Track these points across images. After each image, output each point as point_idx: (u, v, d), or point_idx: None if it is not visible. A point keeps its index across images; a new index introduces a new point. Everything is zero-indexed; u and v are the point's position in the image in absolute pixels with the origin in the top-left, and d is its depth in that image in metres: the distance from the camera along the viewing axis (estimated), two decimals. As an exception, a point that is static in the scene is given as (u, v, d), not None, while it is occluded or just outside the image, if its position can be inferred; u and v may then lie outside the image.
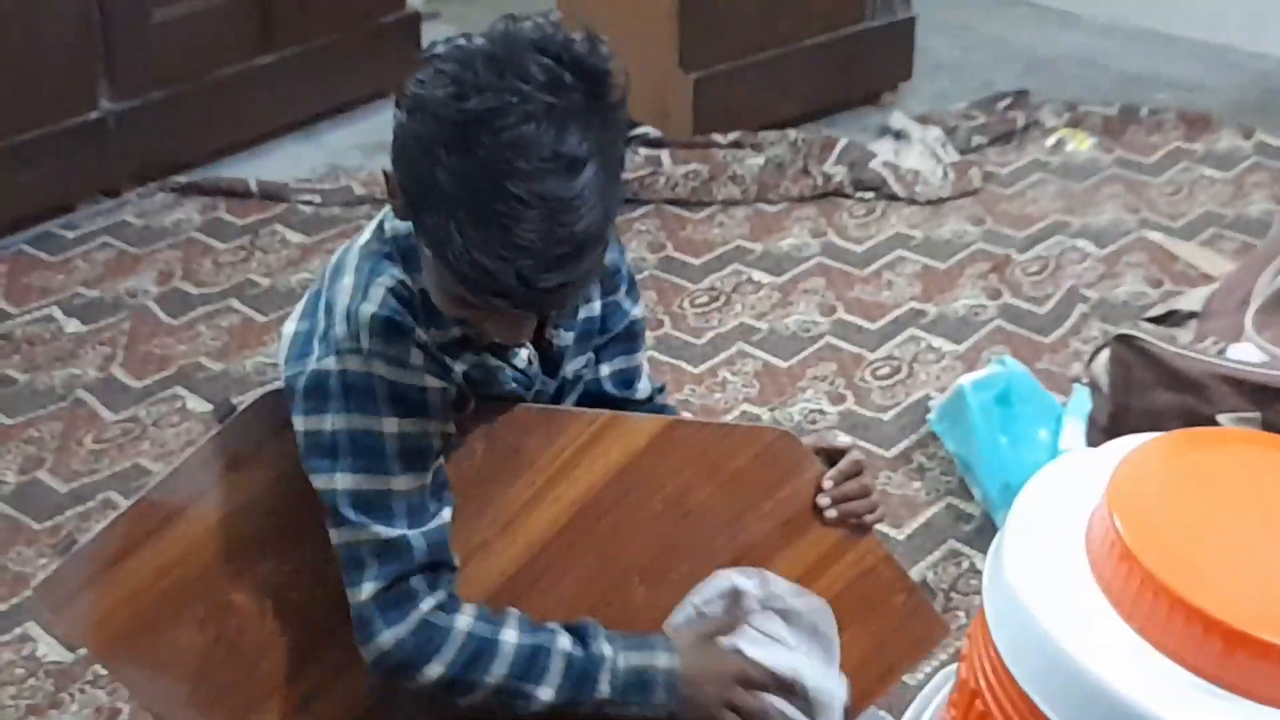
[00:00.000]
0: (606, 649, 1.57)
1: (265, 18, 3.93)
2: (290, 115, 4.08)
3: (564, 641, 1.57)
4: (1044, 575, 1.38)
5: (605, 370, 1.81)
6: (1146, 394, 2.32)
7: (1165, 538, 1.33)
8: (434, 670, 1.51)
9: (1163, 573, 1.29)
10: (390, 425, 1.50)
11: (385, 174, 1.47)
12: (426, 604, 1.51)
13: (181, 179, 3.83)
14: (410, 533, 1.50)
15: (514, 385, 1.61)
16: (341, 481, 1.51)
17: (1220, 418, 2.19)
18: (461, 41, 1.42)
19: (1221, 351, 2.35)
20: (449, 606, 1.53)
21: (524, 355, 1.61)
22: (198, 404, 2.96)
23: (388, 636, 1.50)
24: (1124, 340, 2.36)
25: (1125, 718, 1.27)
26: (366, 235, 1.59)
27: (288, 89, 4.02)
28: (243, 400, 1.67)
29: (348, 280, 1.54)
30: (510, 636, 1.54)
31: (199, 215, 3.72)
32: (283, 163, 3.98)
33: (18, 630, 2.43)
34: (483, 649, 1.53)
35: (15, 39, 3.45)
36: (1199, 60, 4.69)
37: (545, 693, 1.55)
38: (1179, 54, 4.74)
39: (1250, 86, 4.52)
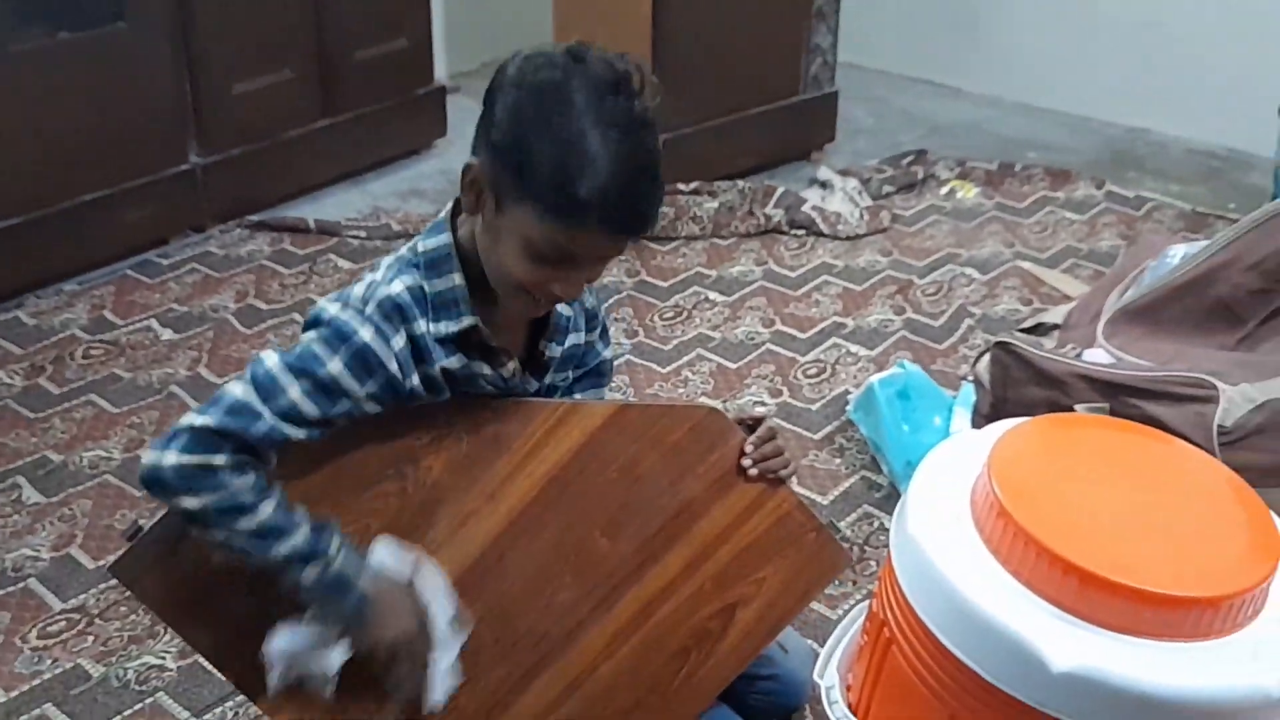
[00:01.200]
0: (333, 547, 1.46)
1: (324, 90, 3.92)
2: (342, 168, 4.06)
3: (305, 529, 1.44)
4: (938, 528, 1.38)
5: (577, 397, 1.79)
6: (1020, 389, 2.31)
7: (1033, 498, 1.34)
8: (187, 501, 1.39)
9: (1031, 526, 1.29)
10: (335, 366, 1.42)
11: (465, 168, 1.42)
12: (220, 459, 1.38)
13: (255, 218, 3.81)
14: (266, 416, 1.39)
15: (489, 388, 1.56)
16: (269, 359, 1.43)
17: (1077, 407, 2.19)
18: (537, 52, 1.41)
19: (1078, 355, 2.35)
20: (240, 472, 1.40)
21: (510, 367, 1.56)
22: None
23: (173, 459, 1.38)
24: (1002, 346, 2.36)
25: (1001, 641, 1.28)
26: (400, 251, 1.56)
27: (340, 147, 4.01)
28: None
29: (377, 274, 1.52)
30: (267, 508, 1.42)
31: (268, 247, 3.70)
32: (336, 205, 3.96)
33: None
34: (237, 508, 1.40)
35: (123, 105, 3.43)
36: (1063, 127, 4.69)
37: (268, 549, 1.42)
38: (1047, 122, 4.73)
39: (1103, 148, 4.53)
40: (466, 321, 1.48)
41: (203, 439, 1.37)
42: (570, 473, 1.57)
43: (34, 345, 3.17)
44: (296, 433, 1.42)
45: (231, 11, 3.60)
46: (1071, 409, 2.18)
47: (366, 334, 1.43)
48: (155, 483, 1.39)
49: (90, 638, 2.28)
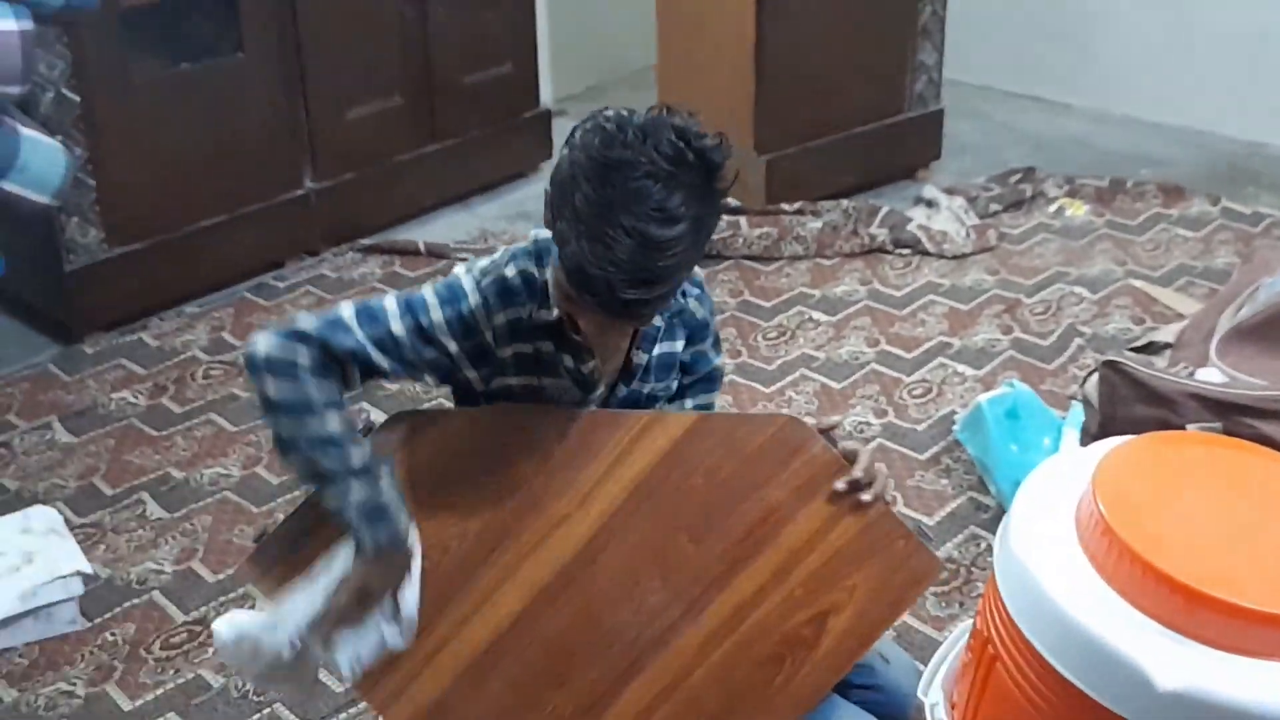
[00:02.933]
0: (384, 477, 1.54)
1: (432, 116, 4.00)
2: (450, 191, 4.13)
3: (364, 450, 1.53)
4: (1042, 545, 1.39)
5: (689, 404, 1.85)
6: (1128, 407, 2.30)
7: (1139, 516, 1.34)
8: (269, 387, 1.49)
9: (1137, 543, 1.30)
10: (437, 317, 1.55)
11: (546, 189, 1.51)
12: (304, 358, 1.50)
13: (366, 241, 3.90)
14: (359, 335, 1.53)
15: (569, 381, 1.64)
16: (387, 298, 1.57)
17: (1189, 427, 2.16)
18: (625, 112, 1.46)
19: (1190, 374, 2.33)
20: (318, 375, 1.51)
21: (591, 365, 1.64)
22: (378, 415, 3.01)
23: (266, 345, 1.49)
24: (1111, 365, 2.34)
25: (1107, 658, 1.28)
26: (530, 236, 1.67)
27: (448, 171, 4.08)
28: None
29: (499, 255, 1.63)
30: (333, 417, 1.51)
31: (380, 269, 3.79)
32: (444, 228, 4.03)
33: (241, 590, 2.50)
34: (306, 406, 1.50)
35: (241, 133, 3.55)
36: (1174, 142, 4.62)
37: (325, 457, 1.51)
38: (1158, 137, 4.67)
39: (1217, 163, 4.45)
40: (555, 314, 1.58)
41: (298, 337, 1.51)
42: (656, 479, 1.61)
43: (157, 366, 3.29)
44: (381, 360, 1.54)
45: (343, 41, 3.72)
46: (1182, 428, 2.16)
47: (474, 301, 1.57)
48: (250, 362, 1.51)
49: (211, 649, 2.36)
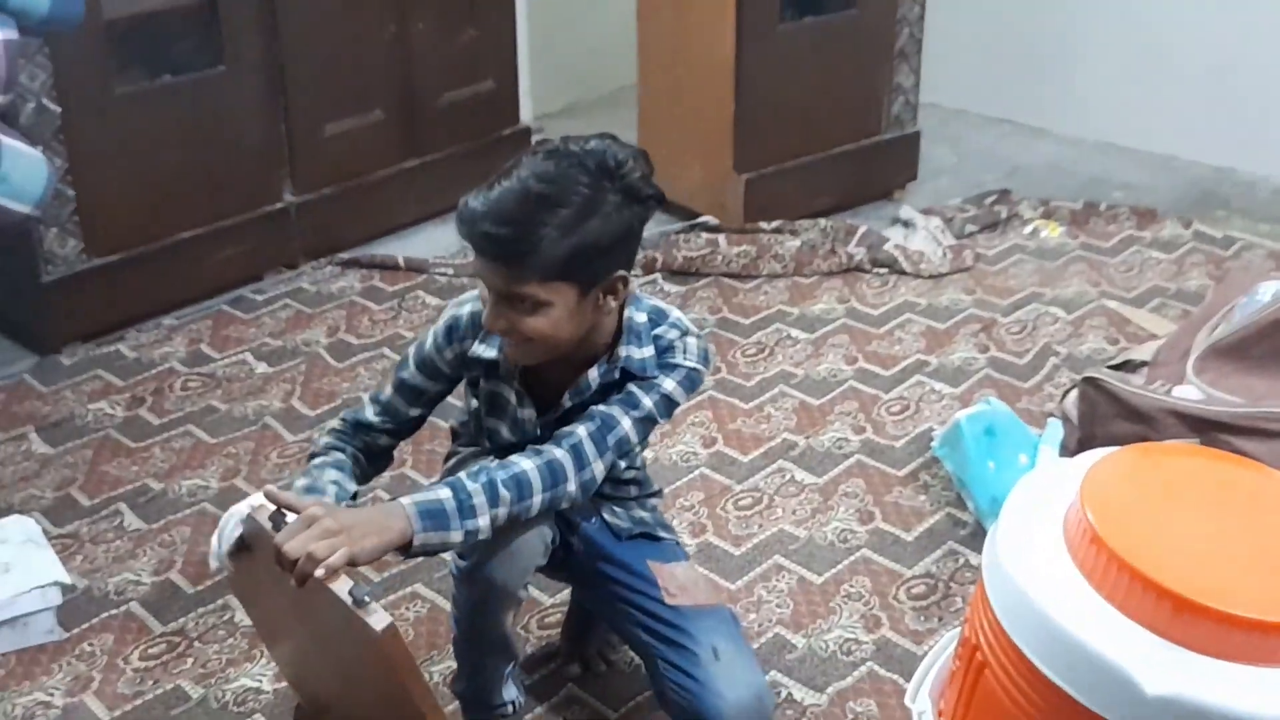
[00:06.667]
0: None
1: (411, 131, 4.00)
2: (430, 206, 4.10)
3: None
4: (1031, 553, 1.40)
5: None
6: (1108, 424, 2.32)
7: (1127, 524, 1.36)
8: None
9: (1125, 551, 1.31)
10: (411, 352, 1.97)
11: None
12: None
13: (345, 255, 3.89)
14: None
15: (510, 409, 1.93)
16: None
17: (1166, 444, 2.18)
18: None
19: (1168, 392, 2.35)
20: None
21: (523, 412, 1.93)
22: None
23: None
24: (1090, 381, 2.36)
25: (1095, 664, 1.29)
26: None
27: (428, 186, 4.07)
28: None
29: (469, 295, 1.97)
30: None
31: (359, 283, 3.78)
32: (424, 243, 4.02)
33: (220, 601, 2.49)
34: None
35: (221, 146, 3.54)
36: (1146, 166, 4.67)
37: None
38: (1130, 162, 4.71)
39: (1189, 188, 4.50)
40: (494, 353, 1.88)
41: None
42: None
43: (135, 377, 3.27)
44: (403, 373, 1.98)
45: (324, 56, 3.72)
46: (1161, 444, 2.18)
47: (428, 340, 1.94)
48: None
49: (189, 660, 2.35)
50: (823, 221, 4.00)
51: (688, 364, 1.87)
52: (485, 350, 1.88)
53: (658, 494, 2.18)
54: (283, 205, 3.73)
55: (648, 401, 1.84)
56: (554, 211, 1.65)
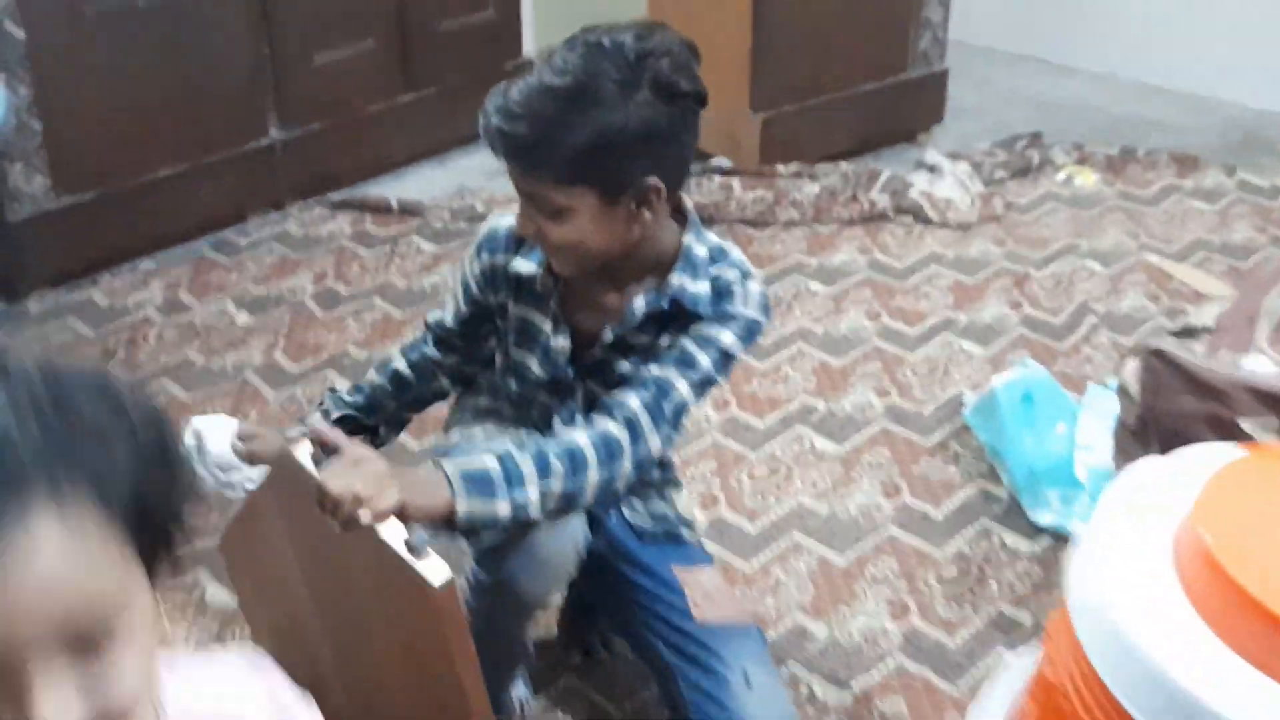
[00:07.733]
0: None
1: (406, 62, 3.80)
2: (426, 144, 3.93)
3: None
4: (1133, 589, 1.16)
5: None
6: (1174, 399, 2.08)
7: (1258, 556, 1.12)
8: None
9: (1258, 590, 1.07)
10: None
11: None
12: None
13: (335, 196, 3.69)
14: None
15: (539, 335, 1.72)
16: None
17: (1241, 422, 1.96)
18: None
19: (1235, 363, 2.11)
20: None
21: (548, 327, 1.71)
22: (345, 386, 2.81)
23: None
24: (1156, 353, 2.13)
25: (1219, 731, 1.06)
26: None
27: (424, 122, 3.88)
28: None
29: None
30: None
31: (349, 227, 3.57)
32: (419, 184, 3.81)
33: (189, 577, 2.28)
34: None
35: (201, 79, 3.33)
36: (1184, 108, 4.41)
37: None
38: (1167, 102, 4.45)
39: (1230, 132, 4.23)
40: (533, 267, 1.68)
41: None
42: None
43: (107, 326, 3.07)
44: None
45: (314, -22, 3.49)
46: (1235, 424, 1.95)
47: (468, 253, 1.77)
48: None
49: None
50: (843, 165, 3.76)
51: (748, 314, 1.66)
52: (524, 264, 1.68)
53: (678, 484, 1.98)
54: (268, 141, 3.53)
55: (705, 360, 1.63)
56: (568, 105, 1.48)
